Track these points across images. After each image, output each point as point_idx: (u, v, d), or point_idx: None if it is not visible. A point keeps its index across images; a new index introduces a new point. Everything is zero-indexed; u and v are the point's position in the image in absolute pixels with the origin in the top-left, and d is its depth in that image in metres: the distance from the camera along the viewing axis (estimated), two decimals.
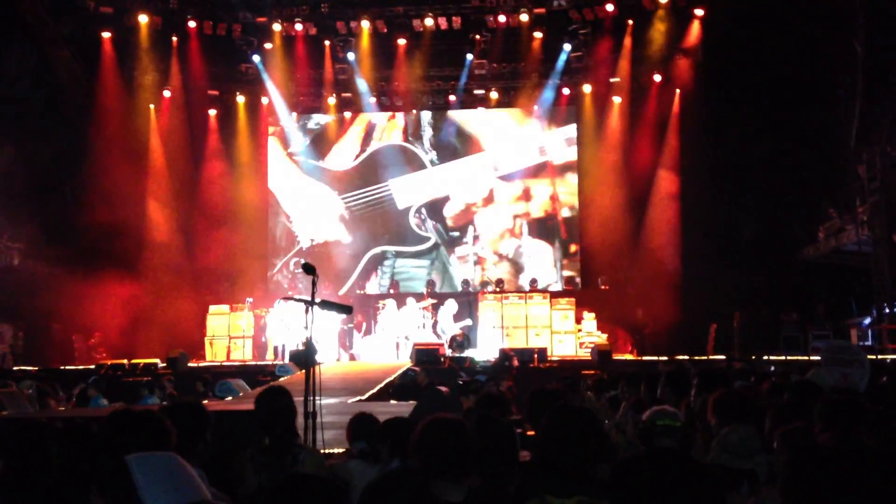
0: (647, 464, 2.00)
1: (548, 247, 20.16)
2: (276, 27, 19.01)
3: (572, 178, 20.26)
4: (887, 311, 14.60)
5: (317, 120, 21.14)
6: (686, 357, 14.06)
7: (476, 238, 20.27)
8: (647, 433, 3.78)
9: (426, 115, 20.81)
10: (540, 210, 20.33)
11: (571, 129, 20.31)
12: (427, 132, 20.76)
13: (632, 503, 1.96)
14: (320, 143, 21.08)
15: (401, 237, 20.53)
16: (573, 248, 20.13)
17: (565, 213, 20.24)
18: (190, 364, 15.62)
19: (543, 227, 20.27)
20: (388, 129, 20.93)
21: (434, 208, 20.51)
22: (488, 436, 3.43)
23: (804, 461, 1.88)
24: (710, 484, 1.97)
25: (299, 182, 21.00)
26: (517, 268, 20.10)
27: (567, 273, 20.03)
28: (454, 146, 20.63)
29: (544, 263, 20.10)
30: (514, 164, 20.41)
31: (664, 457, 2.04)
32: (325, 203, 20.75)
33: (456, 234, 20.40)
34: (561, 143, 20.33)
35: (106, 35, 18.58)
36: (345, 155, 20.90)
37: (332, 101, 20.49)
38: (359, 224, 20.62)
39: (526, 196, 20.36)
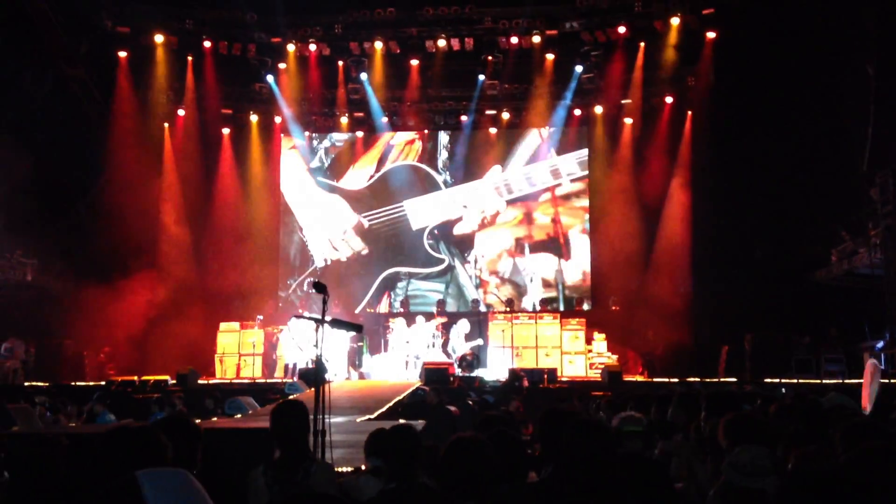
0: (620, 463, 2.54)
1: (552, 259, 20.02)
2: (291, 47, 19.17)
3: (583, 200, 20.25)
4: None
5: (336, 138, 21.24)
6: (697, 379, 13.97)
7: (477, 259, 20.24)
8: (617, 438, 4.18)
9: (443, 138, 20.87)
10: (542, 232, 20.27)
11: (583, 151, 20.34)
12: (442, 154, 20.82)
13: (606, 493, 2.44)
14: (337, 162, 21.18)
15: (415, 258, 20.52)
16: (576, 270, 20.03)
17: (574, 234, 20.18)
18: (200, 381, 15.64)
19: (545, 248, 20.18)
20: (406, 150, 20.98)
21: (446, 230, 20.53)
22: (501, 454, 3.44)
23: (805, 489, 1.89)
24: (664, 476, 2.52)
25: (317, 198, 21.07)
26: (519, 290, 20.00)
27: (571, 294, 19.95)
28: (467, 168, 20.65)
29: (547, 280, 19.99)
30: (527, 186, 20.42)
31: (631, 456, 2.57)
32: (341, 220, 20.80)
33: (466, 255, 20.41)
34: (572, 164, 20.35)
35: (122, 54, 18.79)
36: (360, 175, 20.99)
37: (344, 120, 20.63)
38: (374, 244, 20.65)
39: (528, 219, 20.33)
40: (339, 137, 21.18)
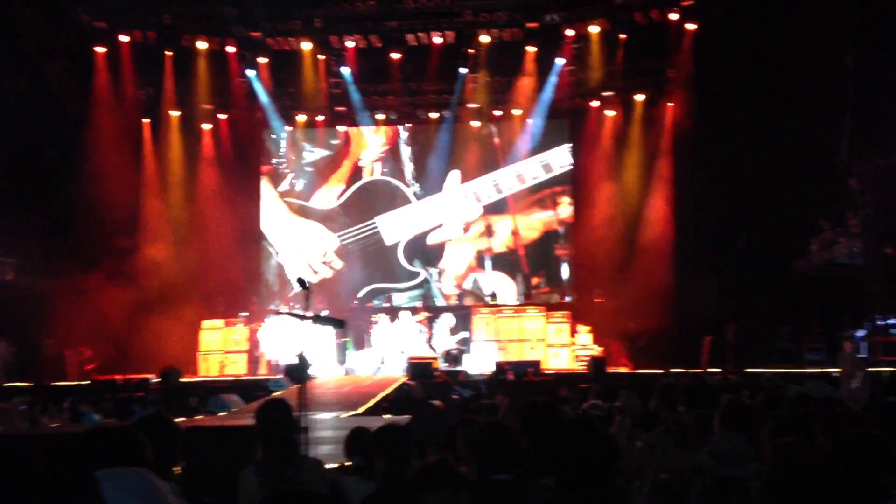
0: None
1: (509, 280, 19.94)
2: (270, 42, 19.03)
3: (565, 193, 20.21)
4: (881, 323, 14.62)
5: (309, 159, 20.98)
6: (682, 370, 14.05)
7: (442, 272, 20.07)
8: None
9: (406, 151, 20.64)
10: (502, 245, 20.12)
11: (565, 144, 20.31)
12: (408, 167, 20.58)
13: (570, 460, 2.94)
14: (309, 183, 20.84)
15: (392, 274, 20.18)
16: (535, 280, 19.96)
17: (563, 216, 20.02)
18: (183, 379, 15.55)
19: (505, 262, 20.07)
20: (371, 168, 20.70)
21: (417, 243, 20.28)
22: (497, 445, 3.69)
23: (786, 479, 1.90)
24: (613, 444, 3.03)
25: (290, 222, 20.76)
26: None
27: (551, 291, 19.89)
28: (436, 178, 20.39)
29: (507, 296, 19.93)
30: (495, 193, 20.28)
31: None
32: (316, 242, 20.48)
33: (433, 269, 20.16)
34: (554, 156, 20.32)
35: (100, 50, 18.59)
36: (330, 194, 20.66)
37: (323, 116, 20.48)
38: (350, 263, 20.24)
39: (488, 232, 20.13)
40: (319, 154, 20.92)
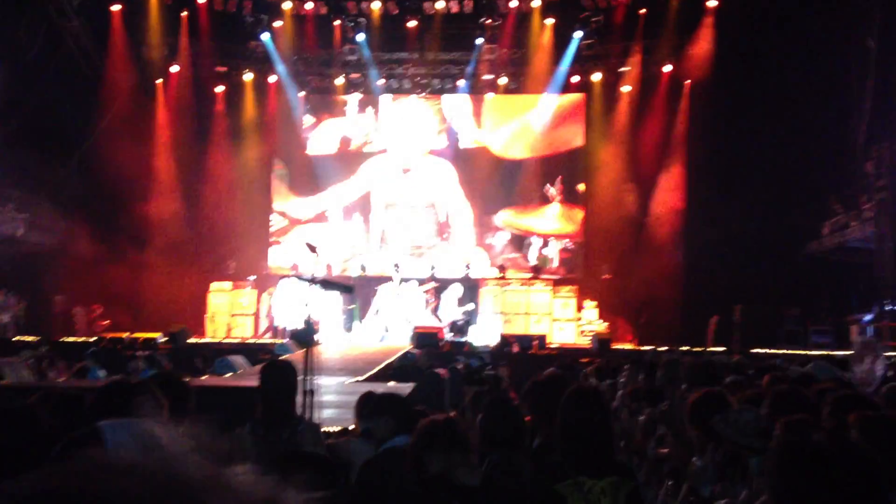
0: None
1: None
2: (286, 5, 18.91)
3: (578, 166, 20.09)
4: (889, 307, 14.57)
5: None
6: (686, 348, 14.05)
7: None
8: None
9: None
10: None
11: (579, 118, 20.17)
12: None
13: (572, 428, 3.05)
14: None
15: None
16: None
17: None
18: (189, 341, 15.66)
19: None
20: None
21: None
22: (503, 419, 3.59)
23: (794, 457, 1.90)
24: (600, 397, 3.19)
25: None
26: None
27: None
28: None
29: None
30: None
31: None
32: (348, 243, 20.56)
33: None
34: (568, 131, 20.20)
35: (115, 8, 18.51)
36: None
37: (340, 81, 20.38)
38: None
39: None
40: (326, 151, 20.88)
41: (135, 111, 18.76)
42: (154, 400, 3.07)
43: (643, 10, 18.24)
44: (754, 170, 16.90)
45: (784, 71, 16.37)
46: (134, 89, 18.89)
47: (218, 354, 11.67)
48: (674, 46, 18.75)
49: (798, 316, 15.60)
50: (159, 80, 19.81)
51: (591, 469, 2.89)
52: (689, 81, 18.74)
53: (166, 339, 15.13)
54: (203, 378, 9.94)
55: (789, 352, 13.30)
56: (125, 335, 15.41)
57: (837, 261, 16.80)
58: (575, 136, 20.11)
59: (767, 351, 13.30)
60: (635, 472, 4.61)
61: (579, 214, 19.84)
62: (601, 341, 15.00)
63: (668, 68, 19.04)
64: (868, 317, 14.91)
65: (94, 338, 15.55)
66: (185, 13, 19.04)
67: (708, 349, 14.73)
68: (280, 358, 11.45)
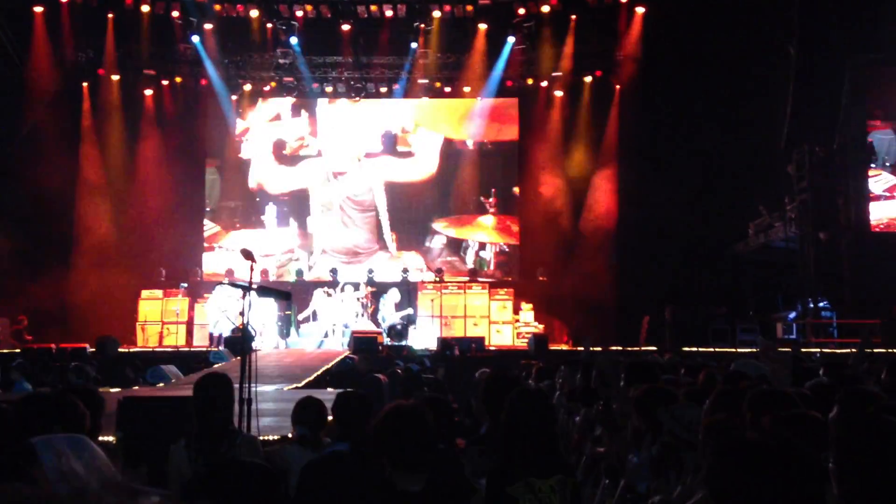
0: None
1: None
2: (217, 7, 18.59)
3: (512, 169, 20.33)
4: (812, 305, 15.11)
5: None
6: (619, 348, 14.30)
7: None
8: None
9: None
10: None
11: (513, 122, 20.39)
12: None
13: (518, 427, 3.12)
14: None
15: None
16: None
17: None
18: (121, 349, 15.24)
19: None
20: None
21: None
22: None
23: (730, 456, 1.94)
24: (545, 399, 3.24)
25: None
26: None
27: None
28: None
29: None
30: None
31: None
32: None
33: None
34: (502, 134, 20.39)
35: (38, 9, 17.91)
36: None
37: (272, 84, 20.12)
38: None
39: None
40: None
41: (60, 115, 18.16)
42: (75, 412, 3.04)
43: (573, 17, 18.54)
44: (683, 173, 17.33)
45: (710, 76, 16.85)
46: (58, 93, 18.28)
47: (150, 364, 11.40)
48: (604, 51, 19.11)
49: (726, 315, 16.04)
50: (85, 84, 19.24)
51: (538, 469, 2.94)
52: (619, 86, 19.13)
53: (94, 349, 14.69)
54: (135, 388, 9.71)
55: (718, 350, 13.66)
56: (52, 346, 14.90)
57: (763, 260, 17.37)
58: (509, 140, 20.34)
59: (698, 349, 13.63)
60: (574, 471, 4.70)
61: (514, 227, 20.12)
62: (538, 342, 15.15)
63: (598, 74, 19.40)
64: (792, 315, 15.44)
65: (20, 349, 15.01)
66: (111, 15, 18.53)
67: (641, 349, 15.04)
68: (215, 367, 11.28)
